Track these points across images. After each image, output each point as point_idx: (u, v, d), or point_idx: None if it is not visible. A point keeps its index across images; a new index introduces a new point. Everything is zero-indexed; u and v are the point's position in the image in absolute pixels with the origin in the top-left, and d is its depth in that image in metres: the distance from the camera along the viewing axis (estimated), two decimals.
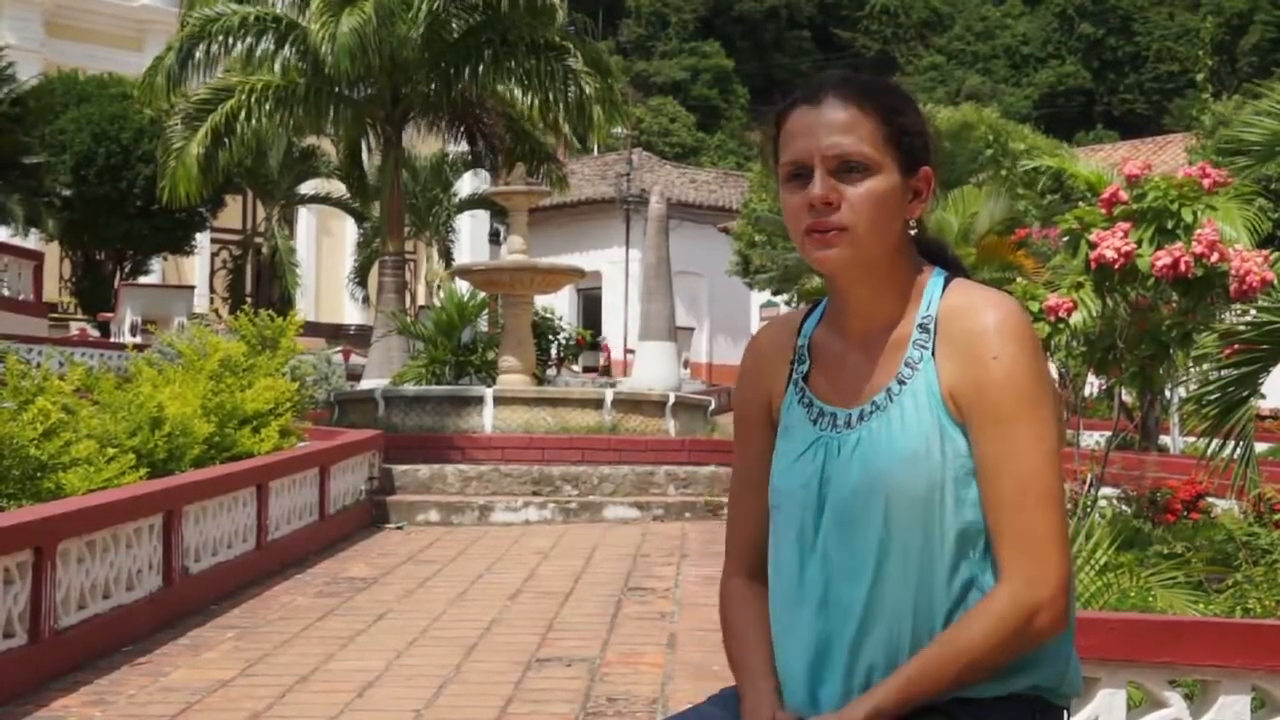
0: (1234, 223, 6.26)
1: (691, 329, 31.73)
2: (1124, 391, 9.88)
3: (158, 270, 26.70)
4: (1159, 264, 6.03)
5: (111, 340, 20.75)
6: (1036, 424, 1.76)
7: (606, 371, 26.47)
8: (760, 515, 1.94)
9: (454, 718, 4.72)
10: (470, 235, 33.10)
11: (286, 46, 15.83)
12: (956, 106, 25.78)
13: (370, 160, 19.02)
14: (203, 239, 27.05)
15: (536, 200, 14.83)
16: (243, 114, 15.38)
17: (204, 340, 10.12)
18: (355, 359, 20.08)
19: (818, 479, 1.84)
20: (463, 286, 16.39)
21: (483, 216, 32.94)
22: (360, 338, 25.19)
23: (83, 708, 4.84)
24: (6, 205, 19.22)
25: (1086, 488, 6.91)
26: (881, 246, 1.82)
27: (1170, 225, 6.22)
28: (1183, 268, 5.98)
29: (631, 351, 23.22)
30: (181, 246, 24.76)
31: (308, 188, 27.04)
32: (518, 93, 15.68)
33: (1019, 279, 9.53)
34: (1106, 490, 7.57)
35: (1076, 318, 6.25)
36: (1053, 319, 6.24)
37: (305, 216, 31.31)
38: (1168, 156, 26.12)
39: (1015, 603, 1.74)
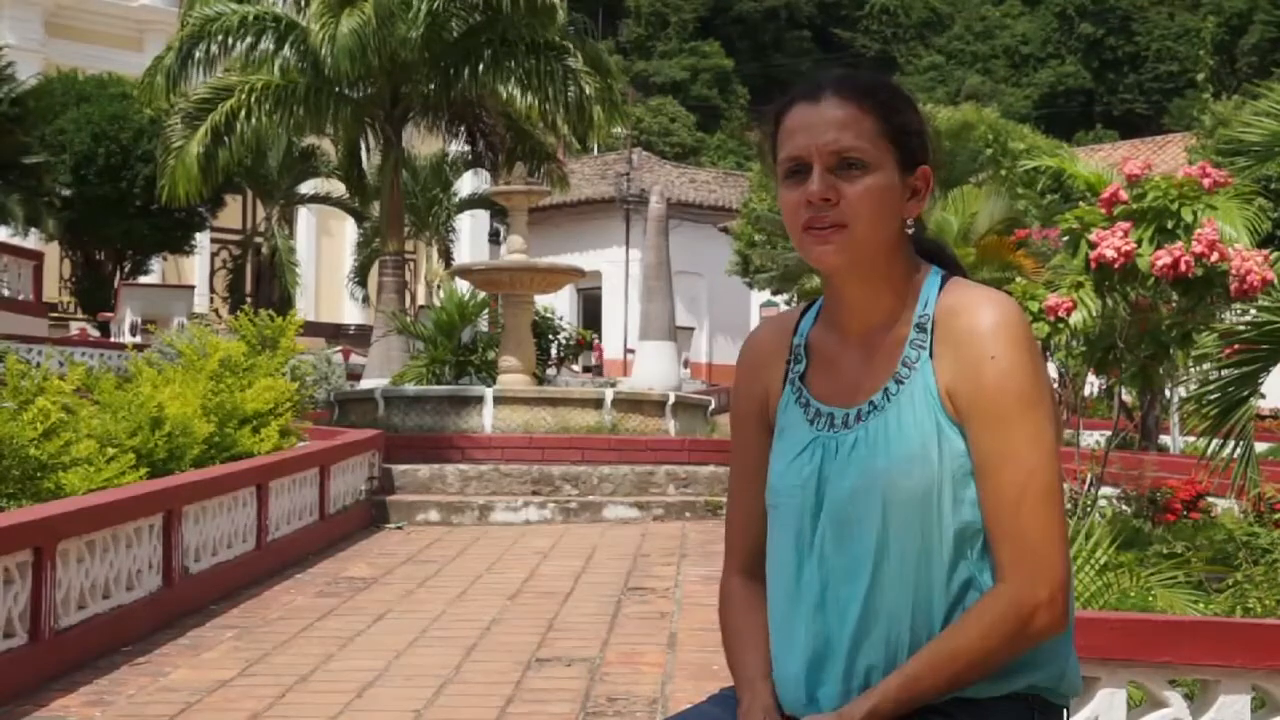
0: (1234, 222, 6.26)
1: (691, 329, 31.74)
2: (1124, 391, 9.88)
3: (158, 270, 26.71)
4: (1159, 264, 6.03)
5: (111, 340, 20.75)
6: (1034, 423, 1.76)
7: (599, 371, 26.47)
8: (759, 515, 1.94)
9: (454, 718, 4.72)
10: (470, 235, 33.10)
11: (286, 46, 15.83)
12: (956, 106, 25.78)
13: (370, 160, 19.02)
14: (203, 239, 27.05)
15: (536, 200, 14.83)
16: (242, 113, 15.38)
17: (204, 340, 10.12)
18: (355, 359, 20.07)
19: (815, 479, 1.84)
20: (463, 286, 16.39)
21: (483, 216, 32.94)
22: (360, 338, 25.19)
23: (83, 708, 4.84)
24: (6, 205, 19.22)
25: (1086, 487, 6.91)
26: (879, 244, 1.82)
27: (1170, 225, 6.22)
28: (1183, 267, 5.98)
29: (631, 351, 23.23)
30: (181, 246, 24.77)
31: (307, 187, 27.04)
32: (517, 93, 15.67)
33: (1019, 279, 9.53)
34: (1106, 490, 7.57)
35: (1076, 318, 6.25)
36: (1053, 319, 6.24)
37: (305, 216, 31.31)
38: (1168, 156, 26.12)
39: (1014, 603, 1.73)
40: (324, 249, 32.52)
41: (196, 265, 29.29)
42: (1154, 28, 58.70)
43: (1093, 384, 14.89)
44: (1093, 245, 6.20)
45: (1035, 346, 1.82)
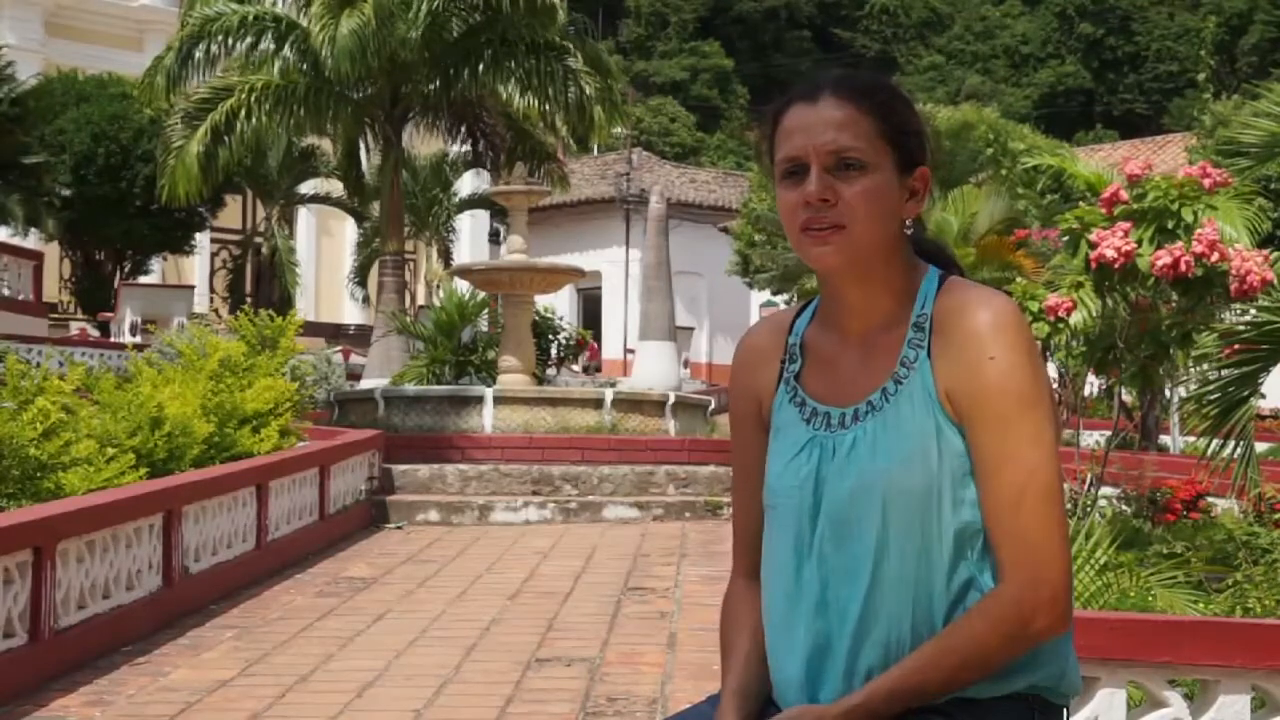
0: (1234, 222, 6.26)
1: (691, 329, 31.74)
2: (1124, 391, 9.87)
3: (158, 270, 26.71)
4: (1159, 264, 6.03)
5: (111, 340, 20.75)
6: (1034, 424, 1.75)
7: (590, 370, 26.44)
8: (760, 516, 1.94)
9: (454, 718, 4.72)
10: (470, 235, 33.09)
11: (286, 46, 15.83)
12: (956, 106, 25.78)
13: (370, 160, 19.02)
14: (202, 239, 27.05)
15: (536, 200, 14.83)
16: (242, 113, 15.38)
17: (204, 340, 10.12)
18: (355, 359, 20.07)
19: (813, 480, 1.83)
20: (463, 286, 16.39)
21: (483, 216, 32.93)
22: (360, 338, 25.18)
23: (82, 708, 4.84)
24: (6, 205, 19.22)
25: (1086, 487, 6.91)
26: (877, 245, 1.81)
27: (1170, 225, 6.22)
28: (1183, 267, 5.98)
29: (631, 351, 23.22)
30: (181, 246, 24.77)
31: (307, 187, 27.05)
32: (517, 93, 15.67)
33: (1019, 279, 9.54)
34: (1106, 490, 7.57)
35: (1076, 318, 6.26)
36: (1052, 319, 6.24)
37: (305, 216, 31.30)
38: (1168, 156, 26.13)
39: (1015, 604, 1.73)
40: (324, 249, 32.52)
41: (196, 265, 29.29)
42: (1154, 28, 58.70)
43: (1093, 384, 14.89)
44: (1093, 245, 6.20)
45: (1035, 347, 1.81)
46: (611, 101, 16.53)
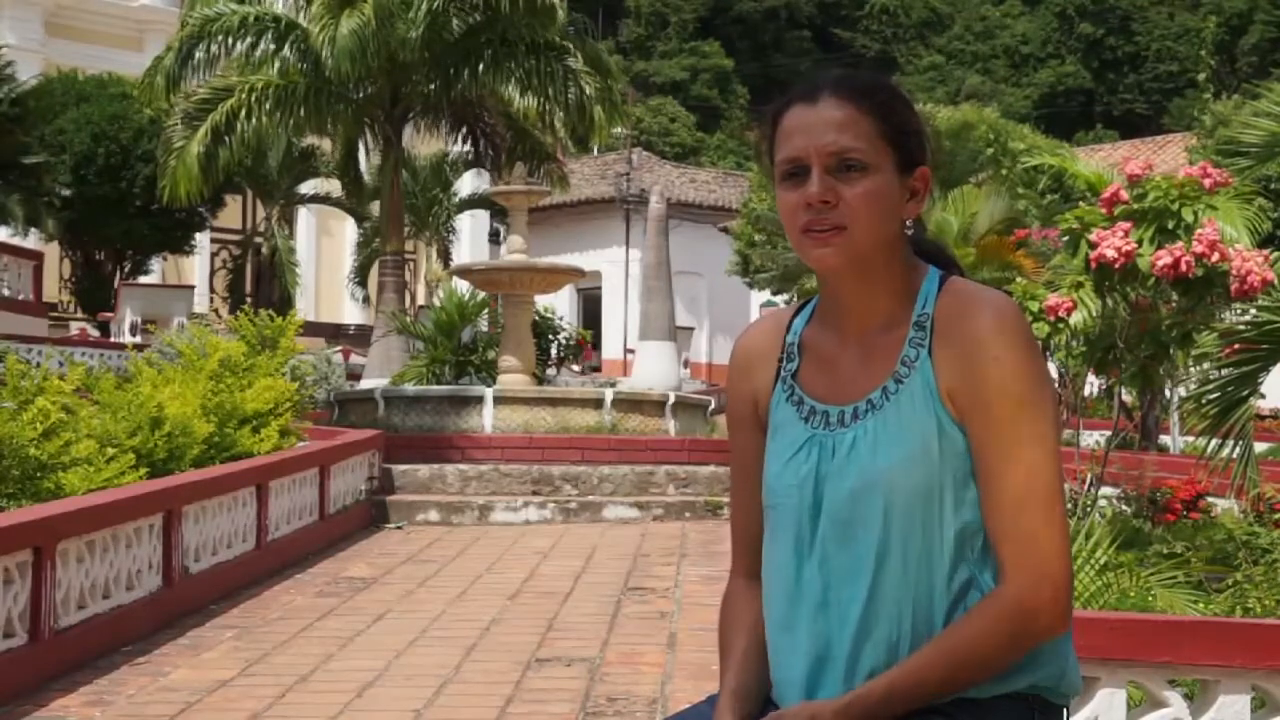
0: (1234, 222, 6.27)
1: (691, 329, 31.73)
2: (1124, 391, 9.87)
3: (158, 270, 26.70)
4: (1159, 264, 6.03)
5: (111, 340, 20.74)
6: (1036, 424, 1.75)
7: (586, 370, 26.41)
8: (758, 516, 1.93)
9: (454, 718, 4.72)
10: (470, 235, 33.08)
11: (286, 47, 15.83)
12: (956, 106, 25.78)
13: (370, 160, 19.02)
14: (203, 239, 27.04)
15: (536, 200, 14.83)
16: (243, 113, 15.38)
17: (204, 340, 10.12)
18: (355, 359, 20.07)
19: (813, 479, 1.83)
20: (462, 286, 16.39)
21: (483, 216, 32.92)
22: (360, 338, 25.18)
23: (82, 708, 4.84)
24: (6, 205, 19.22)
25: (1086, 487, 6.91)
26: (878, 246, 1.81)
27: (1171, 225, 6.23)
28: (1183, 267, 5.99)
29: (631, 351, 23.21)
30: (181, 246, 24.76)
31: (307, 187, 27.04)
32: (517, 93, 15.67)
33: (1019, 279, 9.54)
34: (1106, 490, 7.57)
35: (1076, 318, 6.26)
36: (1052, 319, 6.24)
37: (305, 216, 31.30)
38: (1168, 156, 26.13)
39: (1016, 604, 1.73)
40: (324, 249, 32.51)
41: (196, 265, 29.28)
42: (1154, 28, 58.69)
43: (1093, 384, 14.89)
44: (1093, 245, 6.20)
45: (1036, 347, 1.81)
46: (611, 101, 16.53)
